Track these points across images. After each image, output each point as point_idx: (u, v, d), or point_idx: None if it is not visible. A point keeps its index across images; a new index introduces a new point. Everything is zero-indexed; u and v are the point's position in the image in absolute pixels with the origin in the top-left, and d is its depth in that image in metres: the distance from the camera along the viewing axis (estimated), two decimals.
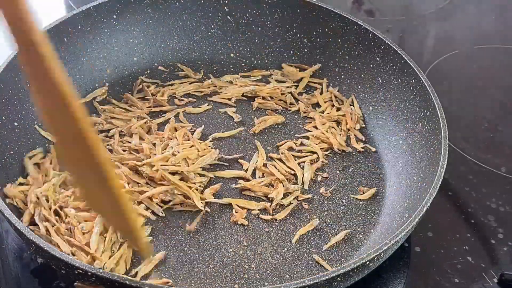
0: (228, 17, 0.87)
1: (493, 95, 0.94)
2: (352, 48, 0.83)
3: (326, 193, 0.72)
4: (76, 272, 0.52)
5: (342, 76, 0.85)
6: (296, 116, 0.82)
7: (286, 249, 0.66)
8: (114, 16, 0.83)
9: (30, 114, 0.72)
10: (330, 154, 0.77)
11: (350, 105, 0.82)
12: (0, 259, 0.66)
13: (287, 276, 0.63)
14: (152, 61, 0.86)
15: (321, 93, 0.84)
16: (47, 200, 0.65)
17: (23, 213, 0.64)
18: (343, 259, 0.65)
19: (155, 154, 0.71)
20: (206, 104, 0.82)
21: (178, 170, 0.70)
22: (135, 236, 0.53)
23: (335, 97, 0.84)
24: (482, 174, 0.79)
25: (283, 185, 0.71)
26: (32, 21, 0.42)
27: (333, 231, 0.68)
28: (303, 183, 0.73)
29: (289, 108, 0.83)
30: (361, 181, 0.74)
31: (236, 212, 0.68)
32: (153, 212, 0.68)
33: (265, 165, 0.74)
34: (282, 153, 0.75)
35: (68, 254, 0.58)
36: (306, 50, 0.87)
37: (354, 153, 0.77)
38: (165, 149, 0.73)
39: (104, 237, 0.63)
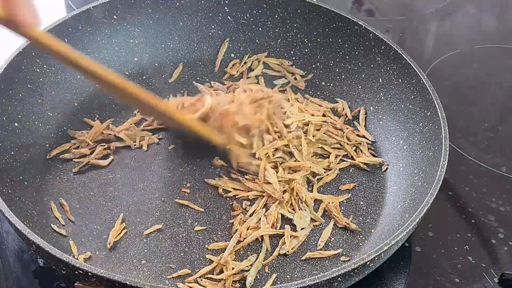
0: (228, 17, 0.87)
1: (493, 95, 0.94)
2: (353, 48, 0.83)
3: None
4: (76, 272, 0.52)
5: (343, 76, 0.85)
6: None
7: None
8: (115, 17, 0.83)
9: (30, 114, 0.72)
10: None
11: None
12: (1, 260, 0.66)
13: (288, 276, 0.64)
14: (152, 61, 0.86)
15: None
16: None
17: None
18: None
19: None
20: None
21: None
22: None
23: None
24: (483, 174, 0.79)
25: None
26: None
27: (334, 231, 0.68)
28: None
29: None
30: (361, 181, 0.74)
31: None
32: None
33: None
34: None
35: None
36: (306, 50, 0.87)
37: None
38: None
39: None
